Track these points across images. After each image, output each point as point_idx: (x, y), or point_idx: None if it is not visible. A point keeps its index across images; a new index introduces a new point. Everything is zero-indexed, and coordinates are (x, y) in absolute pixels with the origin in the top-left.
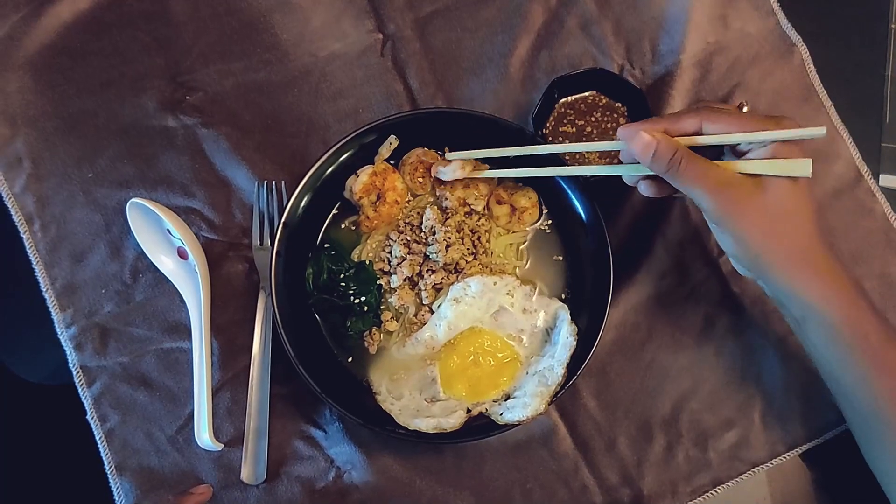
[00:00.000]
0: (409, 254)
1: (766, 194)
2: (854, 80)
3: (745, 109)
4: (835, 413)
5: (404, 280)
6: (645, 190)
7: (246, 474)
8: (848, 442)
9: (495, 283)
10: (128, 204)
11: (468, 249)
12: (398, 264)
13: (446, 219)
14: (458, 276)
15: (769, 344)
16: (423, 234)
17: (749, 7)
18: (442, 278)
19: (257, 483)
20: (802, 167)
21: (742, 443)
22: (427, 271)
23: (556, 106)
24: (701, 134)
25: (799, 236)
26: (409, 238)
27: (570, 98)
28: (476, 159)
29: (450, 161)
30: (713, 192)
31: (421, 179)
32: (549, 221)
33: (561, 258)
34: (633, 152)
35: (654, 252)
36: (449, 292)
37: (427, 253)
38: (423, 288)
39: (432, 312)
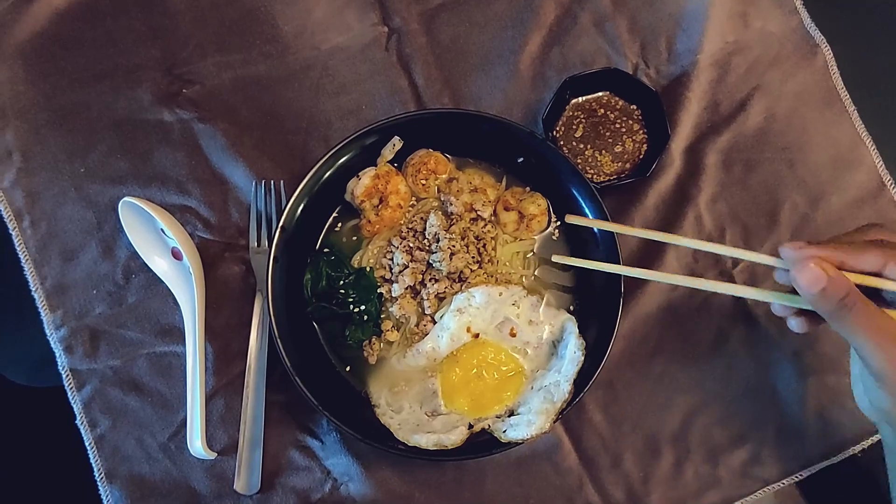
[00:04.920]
0: (411, 261)
1: None
2: (878, 84)
3: None
4: (851, 432)
5: (406, 289)
6: (797, 327)
7: (240, 484)
8: (862, 462)
9: (501, 294)
10: (120, 203)
11: (473, 258)
12: (400, 272)
13: (451, 225)
14: (462, 286)
15: (785, 358)
16: (426, 240)
17: (771, 5)
18: (445, 287)
19: (251, 493)
20: None
21: (754, 460)
22: (430, 280)
23: (568, 107)
24: (881, 276)
25: None
26: (411, 245)
27: (581, 99)
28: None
29: None
30: (887, 349)
31: (424, 182)
32: (558, 228)
33: (569, 268)
34: (798, 284)
35: (666, 261)
36: (452, 302)
37: (430, 261)
38: (425, 297)
39: (434, 323)
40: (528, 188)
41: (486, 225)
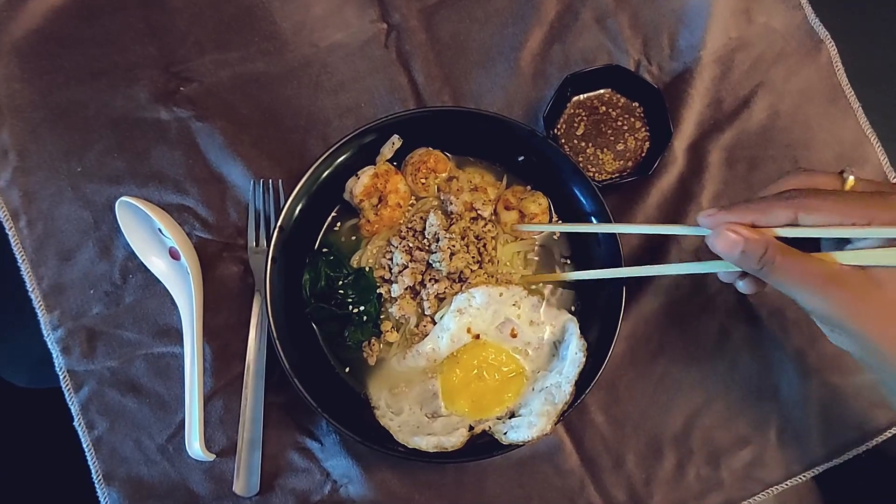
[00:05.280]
0: (411, 261)
1: (885, 289)
2: (883, 80)
3: (849, 179)
4: (855, 432)
5: (406, 289)
6: (745, 288)
7: (238, 486)
8: (866, 463)
9: (501, 295)
10: (117, 203)
11: (473, 258)
12: (399, 272)
13: (451, 224)
14: (462, 286)
15: (787, 358)
16: (426, 240)
17: (775, 0)
18: (445, 288)
19: (250, 495)
20: None
21: (756, 461)
22: (430, 280)
23: (569, 104)
24: (797, 225)
25: None
26: (411, 244)
27: (583, 96)
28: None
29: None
30: (821, 292)
31: (424, 181)
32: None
33: (570, 267)
34: (717, 251)
35: (668, 261)
36: (452, 303)
37: (430, 261)
38: (425, 298)
39: (434, 323)
40: (528, 187)
41: (486, 224)
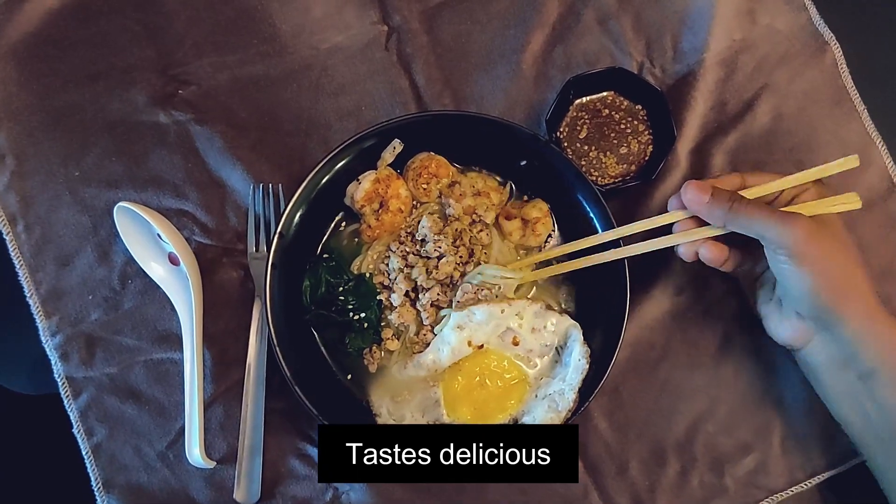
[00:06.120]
0: (405, 266)
1: (834, 230)
2: (889, 82)
3: None
4: None
5: (404, 296)
6: (706, 253)
7: (239, 494)
8: (869, 471)
9: (503, 311)
10: (115, 208)
11: (460, 261)
12: (395, 278)
13: (444, 227)
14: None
15: (791, 365)
16: (422, 244)
17: (779, 1)
18: (438, 295)
19: (251, 503)
20: (852, 200)
21: (760, 469)
22: (422, 288)
23: (571, 107)
24: (745, 187)
25: (866, 279)
26: (407, 249)
27: (585, 99)
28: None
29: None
30: (789, 225)
31: (425, 186)
32: (557, 233)
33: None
34: (688, 201)
35: (671, 266)
36: (451, 319)
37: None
38: (421, 309)
39: (434, 334)
40: (525, 197)
41: (481, 230)
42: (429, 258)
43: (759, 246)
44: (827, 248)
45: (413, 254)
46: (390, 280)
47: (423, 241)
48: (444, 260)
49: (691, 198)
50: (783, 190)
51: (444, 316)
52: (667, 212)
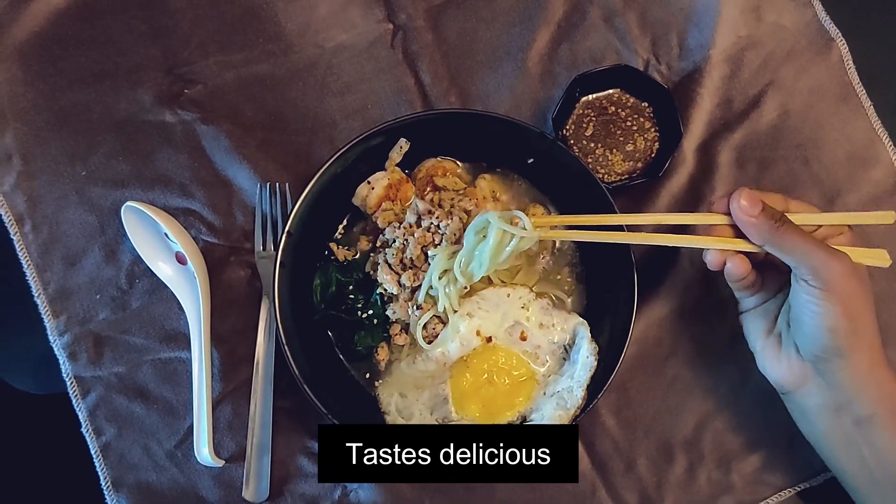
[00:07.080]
0: (404, 240)
1: (862, 275)
2: (895, 79)
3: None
4: None
5: (399, 288)
6: (734, 267)
7: (248, 492)
8: None
9: (508, 295)
10: (122, 207)
11: (422, 250)
12: (389, 254)
13: (419, 218)
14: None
15: None
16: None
17: None
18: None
19: (260, 501)
20: (882, 258)
21: (767, 465)
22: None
23: (578, 105)
24: (788, 212)
25: (875, 327)
26: (405, 231)
27: (591, 96)
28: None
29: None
30: (834, 259)
31: (432, 196)
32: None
33: (579, 269)
34: (736, 208)
35: (679, 263)
36: (439, 258)
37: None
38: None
39: (443, 323)
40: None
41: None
42: (427, 231)
43: (777, 277)
44: (856, 289)
45: (410, 227)
46: (384, 259)
47: (419, 218)
48: (409, 247)
49: (742, 206)
50: (819, 226)
51: (433, 257)
52: (674, 209)
